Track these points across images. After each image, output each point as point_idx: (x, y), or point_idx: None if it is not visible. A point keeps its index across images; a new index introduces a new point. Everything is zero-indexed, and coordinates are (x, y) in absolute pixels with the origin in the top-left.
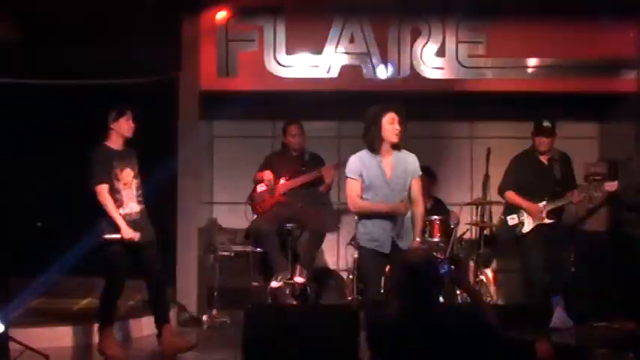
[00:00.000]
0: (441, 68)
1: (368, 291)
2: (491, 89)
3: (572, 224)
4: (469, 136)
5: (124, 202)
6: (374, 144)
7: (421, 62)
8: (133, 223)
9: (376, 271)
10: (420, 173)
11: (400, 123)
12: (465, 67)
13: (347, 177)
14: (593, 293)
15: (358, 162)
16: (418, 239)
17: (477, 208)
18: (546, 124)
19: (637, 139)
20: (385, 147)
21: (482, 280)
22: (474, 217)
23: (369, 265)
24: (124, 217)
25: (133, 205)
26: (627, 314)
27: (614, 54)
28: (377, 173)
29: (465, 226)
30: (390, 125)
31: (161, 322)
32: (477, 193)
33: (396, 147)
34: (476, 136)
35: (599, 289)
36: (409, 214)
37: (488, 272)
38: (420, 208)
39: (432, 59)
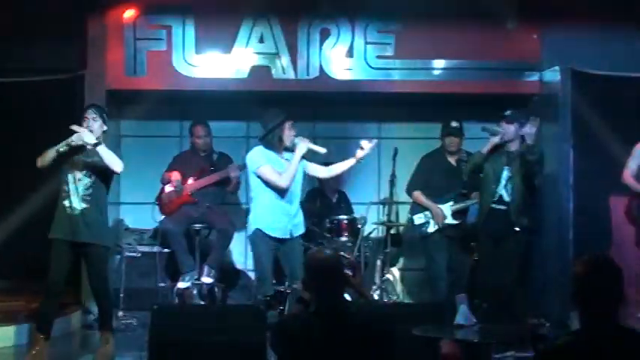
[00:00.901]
0: (350, 69)
1: (262, 280)
2: (399, 90)
3: (475, 224)
4: (377, 136)
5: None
6: (274, 147)
7: (330, 63)
8: (70, 220)
9: (270, 258)
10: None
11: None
12: (373, 68)
13: (258, 167)
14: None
15: (262, 154)
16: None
17: (383, 207)
18: (455, 124)
19: (539, 140)
20: (281, 149)
21: (388, 279)
22: (381, 217)
23: (263, 252)
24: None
25: (76, 201)
26: (530, 311)
27: (518, 56)
28: (281, 168)
29: (372, 225)
30: (290, 131)
31: (100, 328)
32: (384, 193)
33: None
34: (384, 137)
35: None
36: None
37: (395, 271)
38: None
39: (341, 60)
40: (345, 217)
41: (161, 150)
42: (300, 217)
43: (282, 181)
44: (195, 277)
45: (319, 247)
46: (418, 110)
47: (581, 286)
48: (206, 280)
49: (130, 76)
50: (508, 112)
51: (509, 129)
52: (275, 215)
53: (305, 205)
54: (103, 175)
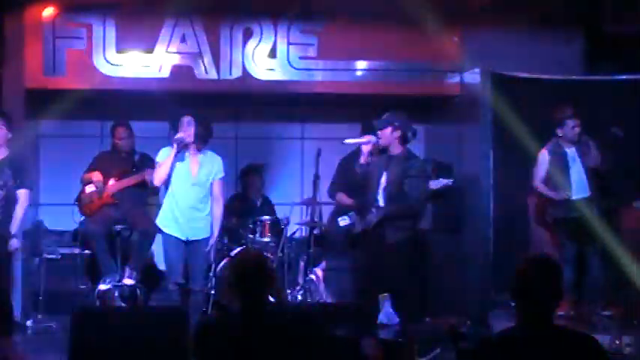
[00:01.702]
0: (273, 69)
1: (169, 269)
2: (321, 91)
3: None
4: (300, 137)
5: None
6: (174, 144)
7: (253, 63)
8: None
9: (176, 251)
10: (223, 175)
11: (195, 125)
12: (295, 68)
13: (157, 163)
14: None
15: (163, 152)
16: (215, 234)
17: (307, 208)
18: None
19: (459, 141)
20: (191, 147)
21: (311, 279)
22: (304, 217)
23: (167, 247)
24: None
25: None
26: (451, 309)
27: (439, 58)
28: (183, 171)
29: (295, 225)
30: (186, 127)
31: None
32: (308, 194)
33: (198, 148)
34: (307, 137)
35: (425, 285)
36: (208, 210)
37: (318, 271)
38: (219, 208)
39: (264, 60)
40: (268, 217)
41: (81, 150)
42: (201, 223)
43: (154, 180)
44: (117, 279)
45: (245, 247)
46: (341, 111)
47: (524, 282)
48: (128, 281)
49: (48, 75)
50: (384, 116)
51: (385, 133)
52: (170, 216)
53: (227, 206)
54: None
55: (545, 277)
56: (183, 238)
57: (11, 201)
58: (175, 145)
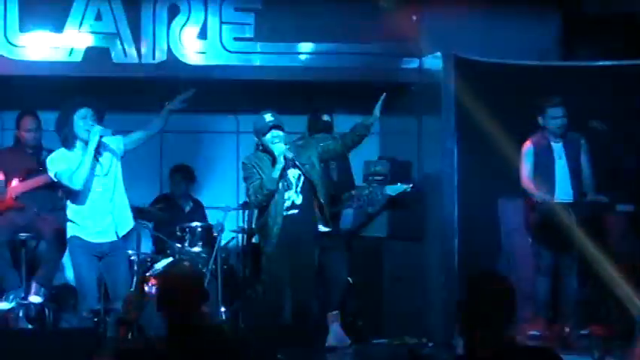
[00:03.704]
0: (203, 52)
1: (84, 294)
2: (259, 77)
3: (350, 231)
4: (236, 130)
5: None
6: (67, 142)
7: (180, 45)
8: None
9: (91, 274)
10: (122, 137)
11: (95, 119)
12: (230, 51)
13: (55, 175)
14: (373, 307)
15: (60, 158)
16: None
17: (243, 212)
18: (326, 117)
19: (419, 135)
20: (80, 144)
21: (250, 296)
22: (241, 223)
23: (81, 263)
24: None
25: None
26: (409, 329)
27: (395, 41)
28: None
29: (231, 233)
30: (82, 121)
31: None
32: (245, 196)
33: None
34: (243, 131)
35: (379, 302)
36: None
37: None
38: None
39: (193, 42)
40: (198, 223)
41: None
42: (124, 214)
43: (73, 183)
44: (21, 295)
45: (173, 259)
46: (283, 100)
47: (468, 308)
48: (34, 299)
49: None
50: (272, 117)
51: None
52: (95, 217)
53: (149, 211)
54: None
55: (494, 295)
56: (114, 239)
57: None
58: (97, 141)
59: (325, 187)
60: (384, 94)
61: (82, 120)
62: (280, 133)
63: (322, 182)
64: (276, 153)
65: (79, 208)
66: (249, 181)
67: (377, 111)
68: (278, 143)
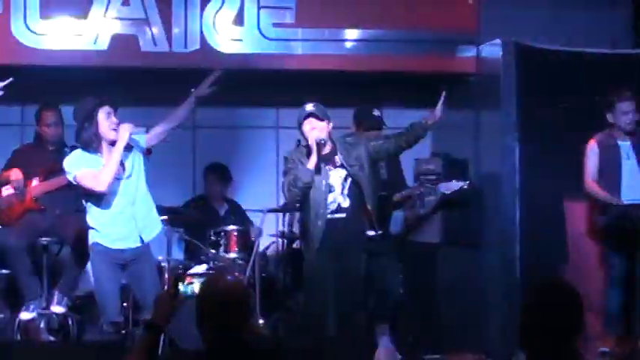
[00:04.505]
0: (239, 40)
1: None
2: (301, 67)
3: (401, 235)
4: (275, 125)
5: None
6: (92, 144)
7: (214, 32)
8: None
9: (113, 277)
10: (143, 130)
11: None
12: (268, 39)
13: (74, 177)
14: (426, 320)
15: (79, 159)
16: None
17: (283, 215)
18: (376, 112)
19: (476, 131)
20: (105, 144)
21: (290, 307)
22: (281, 227)
23: (102, 271)
24: None
25: None
26: (465, 344)
27: (450, 26)
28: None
29: (270, 237)
30: (107, 120)
31: None
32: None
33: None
34: (283, 126)
35: (433, 314)
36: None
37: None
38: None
39: (228, 28)
40: (234, 227)
41: None
42: (149, 218)
43: (99, 185)
44: (43, 305)
45: (216, 270)
46: (326, 92)
47: (528, 320)
48: (57, 309)
49: None
50: (311, 108)
51: (322, 127)
52: (117, 223)
53: (182, 212)
54: None
55: (559, 307)
56: (138, 245)
57: None
58: (127, 139)
59: (374, 189)
60: (444, 92)
61: (108, 118)
62: (320, 123)
63: (371, 184)
64: (309, 141)
65: (99, 212)
66: (287, 175)
67: (438, 111)
68: (312, 131)
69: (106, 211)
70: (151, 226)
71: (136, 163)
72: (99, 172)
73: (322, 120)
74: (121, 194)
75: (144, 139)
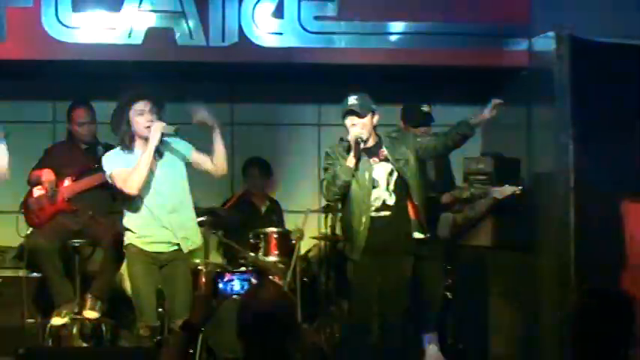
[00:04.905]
0: (279, 33)
1: (140, 307)
2: (343, 62)
3: (449, 238)
4: (317, 122)
5: None
6: (125, 142)
7: (253, 25)
8: None
9: (149, 279)
10: (192, 147)
11: (156, 112)
12: (310, 32)
13: (109, 174)
14: (475, 328)
15: (115, 157)
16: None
17: (326, 217)
18: (425, 108)
19: (529, 129)
20: (140, 143)
21: (332, 313)
22: (323, 229)
23: (138, 272)
24: None
25: None
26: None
27: (500, 18)
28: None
29: (312, 240)
30: (140, 117)
31: None
32: None
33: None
34: (325, 123)
35: (483, 322)
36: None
37: (344, 302)
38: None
39: (267, 21)
40: (275, 229)
41: (27, 141)
42: (188, 229)
43: (128, 187)
44: (75, 310)
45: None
46: (370, 88)
47: (582, 327)
48: (89, 314)
49: None
50: (354, 101)
51: (365, 123)
52: (149, 228)
53: (220, 213)
54: None
55: (614, 315)
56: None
57: None
58: (159, 139)
59: (421, 187)
60: (495, 101)
61: (140, 115)
62: (361, 120)
63: (418, 182)
64: (349, 137)
65: (135, 215)
66: (326, 172)
67: (487, 113)
68: (353, 128)
69: (141, 214)
70: (191, 237)
71: (177, 169)
72: (129, 173)
73: (363, 117)
74: (156, 199)
75: (190, 151)
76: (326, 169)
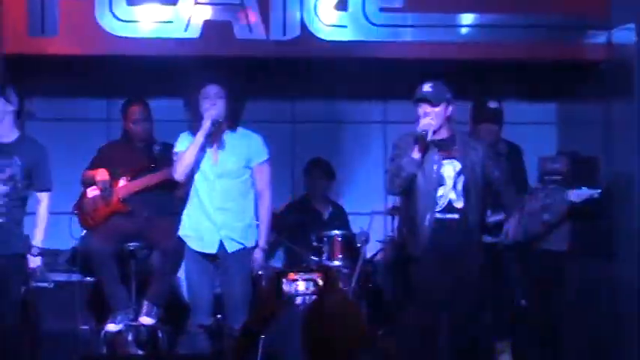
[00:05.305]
0: (343, 26)
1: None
2: (410, 56)
3: (523, 242)
4: (382, 119)
5: None
6: (194, 126)
7: (315, 18)
8: None
9: (202, 284)
10: (266, 157)
11: (226, 98)
12: (375, 25)
13: (176, 153)
14: (551, 337)
15: (183, 141)
16: (263, 243)
17: (392, 219)
18: (494, 105)
19: (607, 126)
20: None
21: (401, 320)
22: (390, 232)
23: (192, 269)
24: None
25: None
26: None
27: (578, 10)
28: (203, 159)
29: (378, 244)
30: (206, 101)
31: None
32: (394, 199)
33: (229, 126)
34: (391, 121)
35: (559, 331)
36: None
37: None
38: (265, 205)
39: (331, 14)
40: (339, 232)
41: (81, 139)
42: (237, 229)
43: (175, 172)
44: (131, 316)
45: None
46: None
47: None
48: (146, 320)
49: (35, 35)
50: (423, 92)
51: (437, 112)
52: (197, 223)
53: (283, 218)
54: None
55: None
56: (213, 252)
57: (20, 204)
58: (208, 126)
59: (481, 198)
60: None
61: (206, 99)
62: (434, 109)
63: (478, 193)
64: (417, 128)
65: (187, 211)
66: (391, 163)
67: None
68: (423, 119)
69: (190, 209)
70: (237, 238)
71: (236, 166)
72: (178, 161)
73: (436, 105)
74: (204, 193)
75: (259, 159)
76: (392, 160)
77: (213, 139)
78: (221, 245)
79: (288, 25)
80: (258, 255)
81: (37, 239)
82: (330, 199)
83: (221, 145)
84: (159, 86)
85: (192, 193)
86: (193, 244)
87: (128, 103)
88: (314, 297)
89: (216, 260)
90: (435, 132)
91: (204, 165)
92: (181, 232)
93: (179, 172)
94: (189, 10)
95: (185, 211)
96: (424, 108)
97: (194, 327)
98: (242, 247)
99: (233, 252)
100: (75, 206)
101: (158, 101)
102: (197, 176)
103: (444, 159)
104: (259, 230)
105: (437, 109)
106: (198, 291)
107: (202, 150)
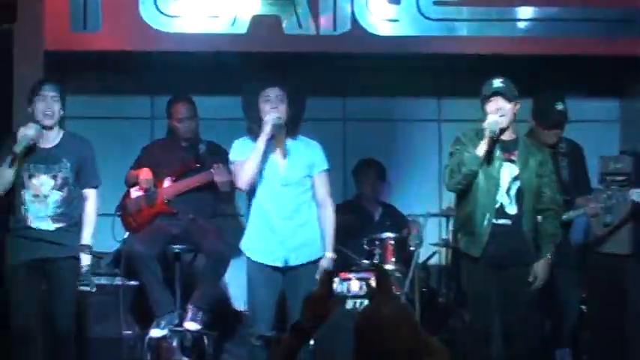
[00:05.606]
0: (396, 21)
1: (254, 316)
2: (466, 52)
3: (583, 245)
4: (437, 117)
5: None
6: (252, 130)
7: (367, 12)
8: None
9: (267, 289)
10: (327, 167)
11: (287, 101)
12: (429, 19)
13: (234, 162)
14: (613, 344)
15: (240, 148)
16: (329, 254)
17: (447, 221)
18: (560, 107)
19: None
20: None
21: (456, 326)
22: (444, 234)
23: (256, 281)
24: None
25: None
26: None
27: (636, 2)
28: (267, 167)
29: (431, 247)
30: (267, 104)
31: None
32: (449, 199)
33: (289, 133)
34: (445, 119)
35: (621, 338)
36: (311, 219)
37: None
38: (328, 214)
39: (383, 8)
40: (391, 234)
41: (124, 138)
42: (303, 239)
43: (237, 180)
44: (176, 321)
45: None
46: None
47: None
48: (191, 326)
49: (78, 31)
50: (499, 84)
51: (510, 109)
52: (261, 235)
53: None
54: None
55: None
56: (280, 265)
57: (74, 205)
58: (269, 130)
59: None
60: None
61: (266, 102)
62: (507, 104)
63: (531, 200)
64: (485, 124)
65: (250, 218)
66: (452, 157)
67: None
68: (494, 114)
69: (253, 218)
70: (304, 251)
71: (301, 175)
72: (241, 169)
73: (511, 101)
74: (268, 202)
75: (319, 169)
76: (451, 154)
77: (276, 145)
78: (287, 258)
79: (339, 19)
80: (325, 263)
81: (86, 238)
82: (381, 201)
83: (285, 153)
84: (205, 83)
85: (253, 203)
86: (258, 257)
87: (173, 100)
88: (365, 302)
89: (282, 271)
90: (501, 131)
91: (268, 173)
92: (244, 245)
93: (243, 182)
94: (237, 4)
95: (249, 223)
96: (497, 103)
97: (254, 337)
98: (309, 259)
99: (300, 265)
100: (118, 207)
101: (204, 99)
102: (259, 185)
103: (504, 161)
104: (325, 240)
105: (509, 106)
106: (261, 301)
107: (265, 157)
